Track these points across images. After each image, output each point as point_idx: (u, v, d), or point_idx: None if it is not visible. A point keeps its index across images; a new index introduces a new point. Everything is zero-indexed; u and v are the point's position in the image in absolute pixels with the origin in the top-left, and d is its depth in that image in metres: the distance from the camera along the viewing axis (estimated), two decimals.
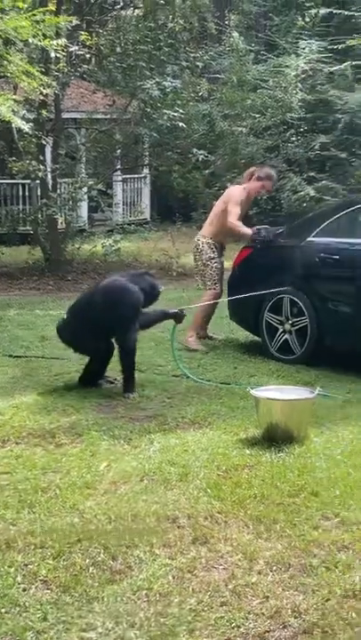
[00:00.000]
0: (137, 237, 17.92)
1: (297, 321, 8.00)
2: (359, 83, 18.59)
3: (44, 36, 9.88)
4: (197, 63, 15.40)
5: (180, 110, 14.15)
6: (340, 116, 17.84)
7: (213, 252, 8.89)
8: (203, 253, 8.92)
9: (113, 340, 7.02)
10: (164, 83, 13.71)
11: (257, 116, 17.55)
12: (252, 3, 23.21)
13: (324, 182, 16.73)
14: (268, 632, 3.39)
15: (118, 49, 14.78)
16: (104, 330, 6.95)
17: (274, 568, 3.90)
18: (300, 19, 21.04)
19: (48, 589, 3.70)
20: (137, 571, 3.85)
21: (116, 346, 7.02)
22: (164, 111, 13.88)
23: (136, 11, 16.81)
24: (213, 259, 8.87)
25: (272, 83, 17.39)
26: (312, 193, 16.46)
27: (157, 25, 14.66)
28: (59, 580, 3.76)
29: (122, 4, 16.46)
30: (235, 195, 8.74)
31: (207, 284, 8.92)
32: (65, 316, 7.27)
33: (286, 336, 8.11)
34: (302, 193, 16.60)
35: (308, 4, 20.89)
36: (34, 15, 9.57)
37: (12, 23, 9.17)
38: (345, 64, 15.69)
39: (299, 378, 7.45)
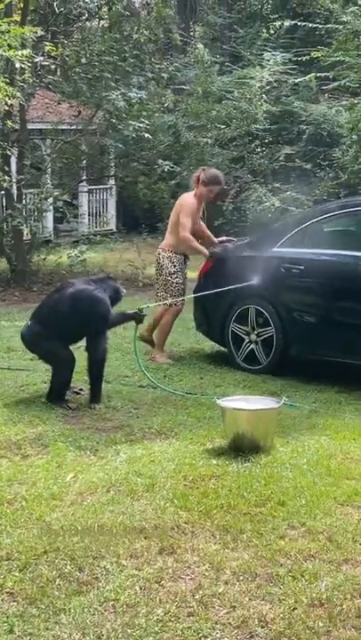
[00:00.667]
0: (103, 248, 17.92)
1: (263, 331, 8.04)
2: (323, 94, 18.76)
3: (9, 46, 9.86)
4: (163, 74, 15.44)
5: (146, 121, 14.17)
6: (304, 128, 17.99)
7: (174, 265, 8.58)
8: (163, 268, 8.62)
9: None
10: (130, 94, 13.72)
11: (222, 127, 17.64)
12: (216, 15, 23.37)
13: (289, 193, 16.82)
14: None
15: (84, 60, 14.79)
16: (69, 338, 6.93)
17: (241, 578, 3.91)
18: (264, 31, 21.24)
19: (14, 602, 3.68)
20: (104, 582, 3.84)
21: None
22: (130, 122, 13.89)
23: (101, 22, 16.84)
24: (174, 273, 8.57)
25: (237, 94, 17.50)
26: (277, 204, 16.54)
27: (123, 36, 14.70)
28: (25, 592, 3.74)
29: (87, 15, 16.45)
30: (185, 205, 8.49)
31: (167, 299, 8.61)
32: (29, 323, 7.19)
33: (252, 346, 8.14)
34: (267, 204, 16.67)
35: (272, 17, 21.06)
36: None
37: None
38: (309, 75, 15.81)
39: (265, 388, 7.48)
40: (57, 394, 6.94)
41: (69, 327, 6.87)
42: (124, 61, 14.24)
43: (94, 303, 6.89)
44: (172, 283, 8.60)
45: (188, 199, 8.57)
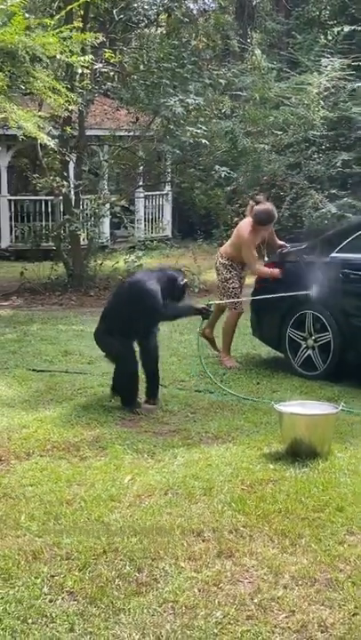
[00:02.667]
0: (158, 254, 17.98)
1: (320, 337, 8.00)
2: None
3: (71, 52, 9.96)
4: (220, 80, 15.45)
5: (203, 127, 14.18)
6: None
7: (230, 272, 8.69)
8: (220, 274, 8.85)
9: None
10: (187, 100, 13.74)
11: (279, 133, 17.58)
12: (275, 21, 23.33)
13: (345, 200, 16.69)
14: None
15: (142, 66, 14.87)
16: (127, 333, 6.90)
17: (300, 582, 3.89)
18: (322, 37, 21.10)
19: (74, 600, 3.71)
20: (162, 583, 3.86)
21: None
22: (187, 128, 13.91)
23: (160, 29, 16.93)
24: (230, 279, 8.70)
25: (294, 100, 17.42)
26: (333, 210, 16.42)
27: (181, 43, 14.74)
28: (85, 592, 3.77)
29: (146, 22, 16.58)
30: (243, 238, 8.49)
31: (228, 304, 8.79)
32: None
33: (309, 352, 8.10)
34: (324, 210, 16.56)
35: (330, 23, 20.95)
36: (61, 32, 9.66)
37: (40, 40, 9.25)
38: None
39: (322, 394, 7.43)
40: (128, 399, 6.95)
41: (124, 320, 6.87)
42: (182, 68, 14.29)
43: (142, 294, 6.86)
44: (228, 288, 8.74)
45: (244, 232, 8.52)
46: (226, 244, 8.96)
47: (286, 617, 3.59)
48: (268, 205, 8.62)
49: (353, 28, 18.67)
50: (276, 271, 8.44)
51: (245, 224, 8.64)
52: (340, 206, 16.63)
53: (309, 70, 18.98)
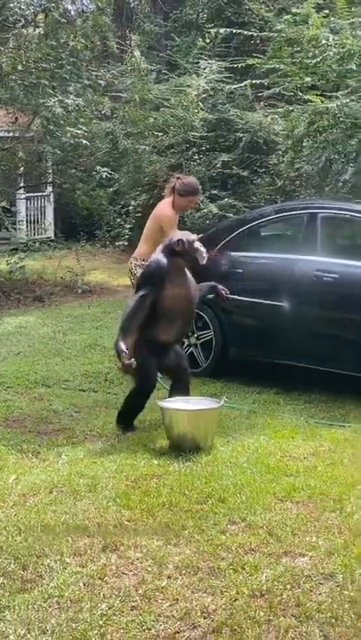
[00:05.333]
0: (41, 255, 17.88)
1: (202, 334, 8.13)
2: (259, 102, 18.96)
3: None
4: (99, 81, 15.47)
5: (83, 128, 14.18)
6: (241, 135, 18.15)
7: None
8: (137, 277, 8.04)
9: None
10: (67, 101, 13.72)
11: (160, 134, 17.73)
12: (153, 23, 23.48)
13: (226, 200, 16.97)
14: (178, 633, 3.46)
15: (20, 67, 14.73)
16: None
17: (183, 572, 3.97)
18: (200, 39, 21.37)
19: None
20: (48, 579, 3.88)
21: None
22: (67, 129, 13.89)
23: (37, 29, 16.78)
24: None
25: (173, 102, 17.60)
26: (215, 210, 16.67)
27: (59, 43, 14.66)
28: None
29: (23, 22, 16.42)
30: (166, 218, 7.98)
31: None
32: None
33: (192, 349, 8.22)
34: (205, 210, 16.79)
35: (208, 26, 21.22)
36: None
37: None
38: (244, 83, 15.97)
39: (205, 390, 7.55)
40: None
41: None
42: (61, 69, 14.24)
43: None
44: None
45: (166, 211, 8.06)
46: (140, 245, 8.27)
47: (170, 605, 3.67)
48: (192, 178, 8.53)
49: (230, 30, 18.95)
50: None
51: (164, 204, 8.17)
52: (222, 206, 16.88)
53: (188, 72, 19.22)
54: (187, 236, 6.44)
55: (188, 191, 7.97)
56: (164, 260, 6.21)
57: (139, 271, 8.01)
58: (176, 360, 6.51)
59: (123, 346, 5.92)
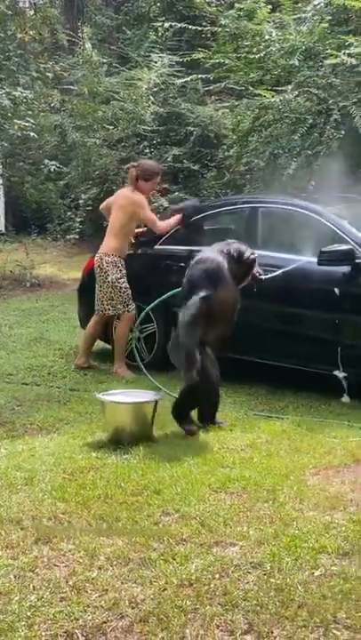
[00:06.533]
0: None
1: (145, 327, 8.17)
2: (210, 96, 19.01)
3: None
4: (47, 74, 15.41)
5: (32, 121, 14.12)
6: (191, 129, 18.19)
7: (120, 270, 8.08)
8: (108, 274, 8.06)
9: None
10: (15, 93, 13.65)
11: (110, 127, 17.71)
12: (104, 16, 23.40)
13: (177, 193, 17.00)
14: (105, 623, 3.51)
15: None
16: None
17: (114, 563, 4.02)
18: (152, 33, 21.35)
19: None
20: None
21: None
22: (15, 121, 13.82)
23: None
24: (121, 278, 8.07)
25: (123, 95, 17.59)
26: (165, 204, 16.70)
27: (7, 35, 14.60)
28: None
29: None
30: (137, 203, 8.04)
31: (118, 307, 8.10)
32: None
33: (135, 343, 8.24)
34: (156, 204, 16.82)
35: (159, 19, 21.21)
36: None
37: None
38: (191, 77, 16.01)
39: (147, 383, 7.57)
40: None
41: None
42: (9, 60, 14.18)
43: None
44: (121, 288, 8.08)
45: (138, 197, 8.10)
46: (107, 240, 8.23)
47: (99, 596, 3.71)
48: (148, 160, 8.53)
49: (181, 25, 18.99)
50: (177, 217, 8.24)
51: (129, 192, 8.21)
52: (172, 200, 16.91)
53: (139, 66, 19.20)
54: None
55: (152, 172, 8.04)
56: (224, 263, 6.05)
57: (111, 269, 8.06)
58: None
59: (198, 356, 5.71)
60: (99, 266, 8.14)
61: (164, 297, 7.36)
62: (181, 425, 6.16)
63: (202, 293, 5.85)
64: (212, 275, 5.98)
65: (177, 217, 8.24)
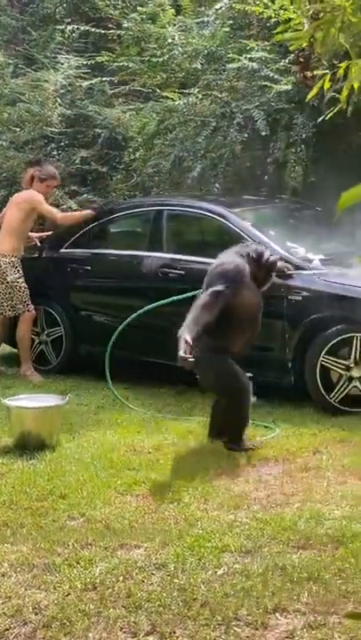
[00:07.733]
0: None
1: (52, 331, 8.15)
2: (117, 99, 18.99)
3: None
4: None
5: None
6: (99, 131, 18.16)
7: (18, 270, 8.04)
8: (6, 275, 8.01)
9: None
10: None
11: (16, 130, 17.54)
12: (9, 17, 23.16)
13: (85, 196, 16.95)
14: (7, 630, 3.50)
15: None
16: None
17: (18, 569, 4.01)
18: (58, 34, 21.23)
19: None
20: None
21: None
22: None
23: None
24: (19, 278, 8.02)
25: (29, 96, 17.46)
26: (74, 206, 16.62)
27: None
28: None
29: None
30: (35, 199, 8.10)
31: (19, 307, 8.03)
32: None
33: (42, 347, 8.22)
34: (64, 206, 16.73)
35: (66, 21, 21.10)
36: None
37: None
38: (97, 79, 15.97)
39: (54, 387, 7.58)
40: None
41: None
42: None
43: None
44: (20, 287, 8.03)
45: (31, 193, 8.17)
46: (2, 242, 8.13)
47: (2, 603, 3.69)
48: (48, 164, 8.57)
49: (87, 28, 18.94)
50: (87, 211, 8.35)
51: (23, 193, 8.32)
52: (81, 202, 16.85)
53: (46, 67, 19.07)
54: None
55: (48, 174, 8.10)
56: (244, 264, 5.79)
57: (9, 269, 8.00)
58: None
59: (188, 337, 5.37)
60: None
61: (163, 301, 7.17)
62: (242, 448, 5.76)
63: (216, 288, 5.64)
64: (230, 274, 5.70)
65: (86, 211, 8.33)
